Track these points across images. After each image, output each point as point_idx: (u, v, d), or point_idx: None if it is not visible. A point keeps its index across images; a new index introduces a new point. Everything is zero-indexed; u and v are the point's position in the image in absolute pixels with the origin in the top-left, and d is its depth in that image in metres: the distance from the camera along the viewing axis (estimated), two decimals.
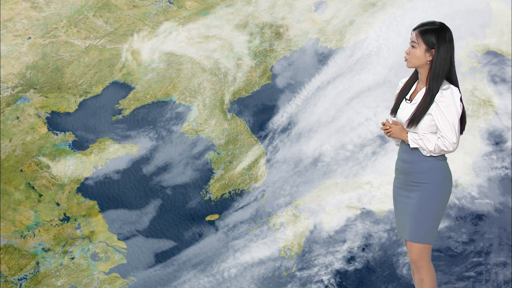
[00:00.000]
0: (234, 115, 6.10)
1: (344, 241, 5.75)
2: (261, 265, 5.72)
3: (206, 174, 5.97)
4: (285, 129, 6.11)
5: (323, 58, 6.21)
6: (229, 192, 5.96)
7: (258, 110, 6.12)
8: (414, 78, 3.56)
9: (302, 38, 6.22)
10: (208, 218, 5.88)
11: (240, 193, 5.97)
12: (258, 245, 5.79)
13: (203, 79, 6.11)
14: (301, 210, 5.89)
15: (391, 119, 3.53)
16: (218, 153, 6.02)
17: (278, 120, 6.12)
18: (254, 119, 6.11)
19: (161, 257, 5.74)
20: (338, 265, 5.69)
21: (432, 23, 3.42)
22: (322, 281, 5.62)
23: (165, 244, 5.78)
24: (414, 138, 3.43)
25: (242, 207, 5.93)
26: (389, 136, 3.48)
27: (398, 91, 3.62)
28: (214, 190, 5.94)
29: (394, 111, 3.57)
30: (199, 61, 6.15)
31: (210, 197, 5.92)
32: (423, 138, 3.41)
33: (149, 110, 6.02)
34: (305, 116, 6.13)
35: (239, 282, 5.63)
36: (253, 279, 5.64)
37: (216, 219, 5.90)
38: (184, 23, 6.16)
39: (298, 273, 5.67)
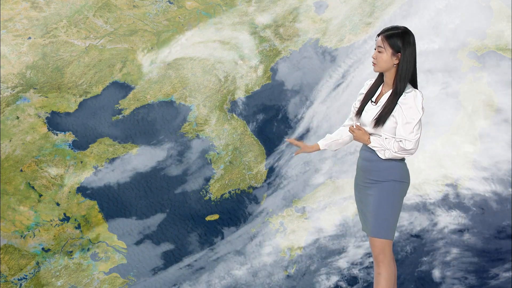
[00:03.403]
0: (234, 115, 6.10)
1: (347, 241, 5.75)
2: (261, 265, 5.72)
3: (206, 174, 5.97)
4: (294, 131, 6.11)
5: (331, 58, 6.21)
6: (229, 192, 5.95)
7: (258, 110, 6.12)
8: (379, 81, 3.66)
9: (302, 38, 6.22)
10: (208, 218, 5.88)
11: (240, 193, 5.97)
12: (257, 246, 5.79)
13: (203, 79, 6.11)
14: (301, 210, 5.89)
15: (355, 124, 3.64)
16: (218, 153, 6.02)
17: (286, 121, 6.12)
18: (254, 119, 6.11)
19: (165, 258, 5.74)
20: (341, 265, 5.68)
21: (396, 27, 3.54)
22: (327, 281, 5.62)
23: (167, 244, 5.78)
24: (376, 139, 3.54)
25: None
26: (355, 138, 3.62)
27: (363, 91, 3.71)
28: (214, 190, 5.94)
29: (359, 113, 3.66)
30: (199, 61, 6.15)
31: (210, 197, 5.92)
32: (387, 139, 3.53)
33: (149, 110, 6.02)
34: (311, 117, 6.13)
35: (240, 283, 5.63)
36: (253, 279, 5.64)
37: (217, 219, 5.90)
38: (184, 23, 6.17)
39: (298, 273, 5.66)
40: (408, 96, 3.45)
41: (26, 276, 5.54)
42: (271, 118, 6.12)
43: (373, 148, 3.53)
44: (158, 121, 6.01)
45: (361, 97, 3.72)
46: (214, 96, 6.10)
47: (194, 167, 5.98)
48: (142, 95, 6.03)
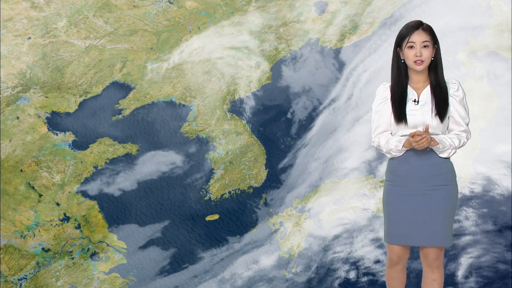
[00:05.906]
0: (234, 115, 6.10)
1: (350, 242, 5.75)
2: (261, 266, 5.72)
3: (206, 174, 5.97)
4: (296, 133, 6.11)
5: (331, 58, 6.21)
6: (229, 192, 5.96)
7: (258, 110, 6.12)
8: (402, 82, 3.38)
9: (302, 38, 6.22)
10: (208, 218, 5.88)
11: (240, 193, 5.97)
12: (257, 246, 5.80)
13: (203, 79, 6.12)
14: (301, 210, 5.89)
15: (422, 128, 3.29)
16: (218, 153, 6.02)
17: (286, 121, 6.12)
18: (254, 118, 6.11)
19: (164, 258, 5.74)
20: (342, 266, 5.68)
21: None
22: (326, 281, 5.62)
23: (166, 244, 5.78)
24: (443, 139, 3.29)
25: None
26: (423, 146, 3.23)
27: (387, 96, 3.40)
28: (214, 190, 5.94)
29: (403, 118, 3.33)
30: (199, 61, 6.15)
31: (210, 197, 5.92)
32: (448, 136, 3.31)
33: (149, 110, 6.02)
34: (311, 117, 6.13)
35: (240, 283, 5.63)
36: (253, 280, 5.64)
37: (217, 219, 5.90)
38: (184, 23, 6.17)
39: (298, 273, 5.67)
40: (460, 87, 3.32)
41: (26, 276, 5.54)
42: (271, 118, 6.12)
43: (443, 149, 3.26)
44: (158, 121, 6.01)
45: (385, 102, 3.40)
46: (214, 96, 6.10)
47: (194, 167, 5.98)
48: (142, 95, 6.03)
